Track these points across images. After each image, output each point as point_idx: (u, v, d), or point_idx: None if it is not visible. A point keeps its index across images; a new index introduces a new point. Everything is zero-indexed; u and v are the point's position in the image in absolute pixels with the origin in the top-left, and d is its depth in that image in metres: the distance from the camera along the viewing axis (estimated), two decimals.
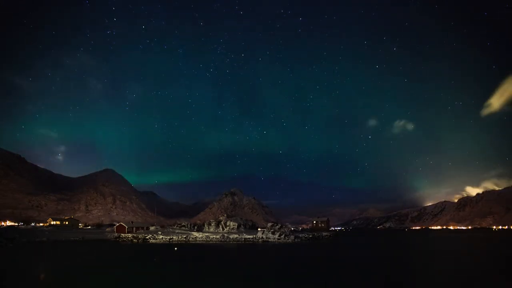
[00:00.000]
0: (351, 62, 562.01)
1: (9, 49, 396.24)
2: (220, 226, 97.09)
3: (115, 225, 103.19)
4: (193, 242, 78.22)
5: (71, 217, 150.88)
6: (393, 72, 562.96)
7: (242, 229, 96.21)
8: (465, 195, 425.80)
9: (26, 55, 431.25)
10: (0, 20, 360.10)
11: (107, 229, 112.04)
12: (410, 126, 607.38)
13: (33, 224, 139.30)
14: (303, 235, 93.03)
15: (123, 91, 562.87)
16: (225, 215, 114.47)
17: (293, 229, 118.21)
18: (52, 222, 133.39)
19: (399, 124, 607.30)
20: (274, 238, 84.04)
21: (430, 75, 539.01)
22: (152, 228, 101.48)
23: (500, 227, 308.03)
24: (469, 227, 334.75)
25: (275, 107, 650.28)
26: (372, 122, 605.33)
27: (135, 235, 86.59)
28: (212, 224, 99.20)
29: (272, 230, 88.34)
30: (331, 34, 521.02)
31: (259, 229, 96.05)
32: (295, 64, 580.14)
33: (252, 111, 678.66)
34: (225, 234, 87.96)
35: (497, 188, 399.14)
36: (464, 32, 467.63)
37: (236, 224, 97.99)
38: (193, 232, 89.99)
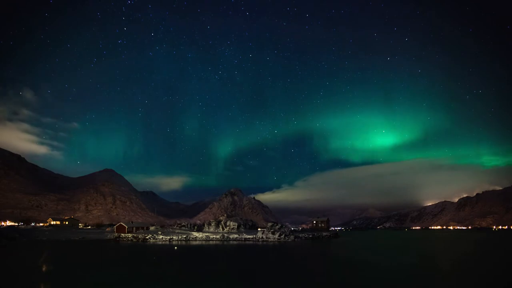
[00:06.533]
0: (361, 55, 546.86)
1: (26, 62, 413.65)
2: (220, 226, 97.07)
3: (115, 225, 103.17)
4: (193, 242, 78.24)
5: (71, 217, 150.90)
6: (406, 63, 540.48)
7: (242, 229, 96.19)
8: (465, 195, 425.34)
9: (44, 69, 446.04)
10: (19, 35, 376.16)
11: (107, 229, 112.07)
12: (417, 123, 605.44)
13: (33, 224, 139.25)
14: (303, 235, 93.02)
15: (136, 98, 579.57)
16: (225, 215, 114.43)
17: (293, 229, 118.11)
18: (52, 222, 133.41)
19: (410, 119, 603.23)
20: (274, 238, 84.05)
21: (443, 65, 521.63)
22: (152, 228, 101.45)
23: (500, 227, 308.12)
24: (469, 227, 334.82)
25: (285, 105, 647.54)
26: (385, 117, 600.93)
27: (135, 235, 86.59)
28: (212, 224, 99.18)
29: (272, 230, 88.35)
30: (339, 28, 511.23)
31: (259, 229, 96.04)
32: (303, 61, 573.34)
33: (263, 110, 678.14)
34: (225, 234, 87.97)
35: (497, 188, 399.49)
36: (479, 18, 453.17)
37: (236, 224, 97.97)
38: (193, 232, 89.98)
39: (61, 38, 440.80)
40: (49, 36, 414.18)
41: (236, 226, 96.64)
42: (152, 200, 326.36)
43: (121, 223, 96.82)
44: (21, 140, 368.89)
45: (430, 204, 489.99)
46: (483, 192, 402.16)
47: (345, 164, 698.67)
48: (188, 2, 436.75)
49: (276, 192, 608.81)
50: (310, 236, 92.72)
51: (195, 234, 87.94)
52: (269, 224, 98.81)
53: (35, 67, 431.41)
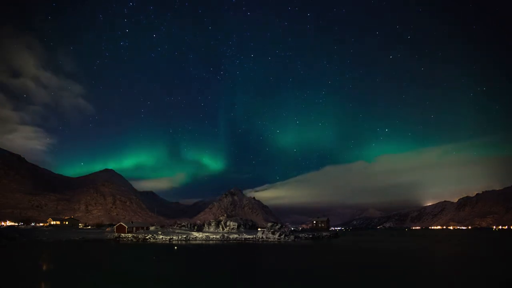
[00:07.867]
0: (363, 54, 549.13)
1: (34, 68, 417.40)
2: (220, 226, 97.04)
3: (115, 225, 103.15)
4: (193, 242, 78.21)
5: (71, 217, 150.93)
6: (409, 61, 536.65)
7: (242, 229, 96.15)
8: (465, 195, 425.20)
9: (50, 74, 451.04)
10: (21, 37, 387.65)
11: (107, 229, 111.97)
12: (420, 122, 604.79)
13: (33, 224, 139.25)
14: (303, 235, 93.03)
15: (138, 99, 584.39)
16: (225, 215, 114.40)
17: (293, 229, 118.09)
18: (52, 222, 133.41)
19: (413, 117, 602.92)
20: (274, 238, 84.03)
21: (446, 63, 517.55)
22: (152, 228, 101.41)
23: (500, 227, 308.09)
24: (469, 227, 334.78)
25: (287, 105, 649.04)
26: (387, 116, 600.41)
27: (135, 235, 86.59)
28: (212, 224, 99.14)
29: (272, 230, 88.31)
30: (340, 27, 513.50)
31: (259, 229, 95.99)
32: (305, 61, 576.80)
33: (264, 110, 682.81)
34: (225, 234, 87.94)
35: (497, 188, 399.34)
36: (482, 14, 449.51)
37: (236, 224, 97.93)
38: (193, 232, 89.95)
39: (63, 40, 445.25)
40: (52, 38, 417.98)
41: (236, 226, 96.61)
42: (152, 200, 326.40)
43: (121, 223, 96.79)
44: (23, 140, 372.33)
45: (430, 204, 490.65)
46: (483, 192, 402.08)
47: (346, 163, 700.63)
48: (189, 3, 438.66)
49: (278, 191, 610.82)
50: (310, 236, 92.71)
51: (195, 234, 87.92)
52: (269, 224, 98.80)
53: (39, 73, 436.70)
